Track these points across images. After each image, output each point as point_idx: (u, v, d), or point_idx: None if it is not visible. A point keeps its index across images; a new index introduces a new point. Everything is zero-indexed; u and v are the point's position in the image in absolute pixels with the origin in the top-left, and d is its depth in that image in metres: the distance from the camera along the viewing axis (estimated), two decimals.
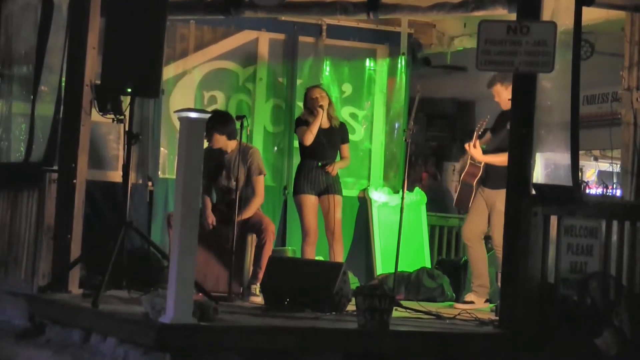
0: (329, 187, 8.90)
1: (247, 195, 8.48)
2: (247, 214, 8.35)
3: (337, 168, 8.95)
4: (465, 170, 8.69)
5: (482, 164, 8.58)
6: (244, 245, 8.35)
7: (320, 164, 8.89)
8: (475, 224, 8.71)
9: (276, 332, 6.45)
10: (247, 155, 8.50)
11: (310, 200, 8.89)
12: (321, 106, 8.86)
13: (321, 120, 8.90)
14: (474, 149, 8.56)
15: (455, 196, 9.07)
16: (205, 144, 8.49)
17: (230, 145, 8.44)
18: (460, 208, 9.14)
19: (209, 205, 8.52)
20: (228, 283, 7.99)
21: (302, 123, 8.99)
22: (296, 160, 10.05)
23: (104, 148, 9.41)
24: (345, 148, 9.13)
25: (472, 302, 8.50)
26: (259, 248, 8.28)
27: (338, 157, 9.07)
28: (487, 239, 9.65)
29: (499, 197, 8.28)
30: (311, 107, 8.94)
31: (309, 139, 8.87)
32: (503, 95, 8.60)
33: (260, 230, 8.30)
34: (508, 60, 6.96)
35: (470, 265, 8.84)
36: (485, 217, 8.69)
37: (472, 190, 8.65)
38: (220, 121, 8.45)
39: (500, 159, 8.10)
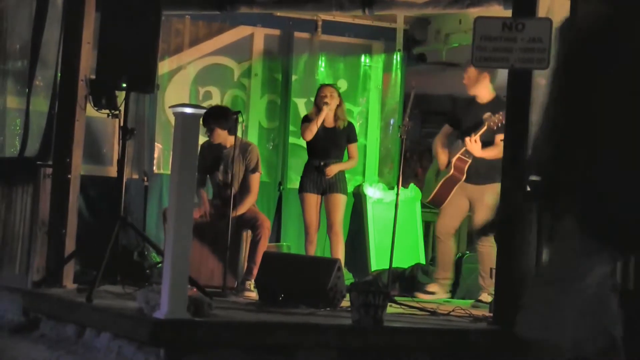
0: (331, 186, 8.81)
1: (241, 191, 8.47)
2: (241, 210, 8.35)
3: (335, 169, 8.80)
4: (454, 164, 8.55)
5: (471, 158, 8.51)
6: (238, 240, 8.34)
7: (322, 163, 8.80)
8: (451, 219, 8.64)
9: (270, 328, 6.45)
10: (246, 151, 8.48)
11: (311, 199, 8.84)
12: (326, 103, 8.79)
13: (326, 119, 8.82)
14: (475, 144, 8.41)
15: (434, 191, 8.68)
16: (205, 138, 8.52)
17: (230, 140, 8.40)
18: (437, 203, 8.81)
19: (205, 196, 8.53)
20: (222, 278, 7.99)
21: (307, 120, 8.93)
22: (291, 156, 10.07)
23: (99, 143, 9.41)
24: (352, 148, 8.95)
25: (433, 293, 8.48)
26: (254, 244, 8.27)
27: (345, 157, 8.94)
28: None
29: (486, 192, 8.28)
30: (318, 104, 8.87)
31: (308, 135, 8.82)
32: (486, 88, 8.50)
33: (256, 227, 8.29)
34: (503, 57, 6.95)
35: (438, 259, 8.78)
36: (461, 214, 8.62)
37: (453, 186, 8.55)
38: (223, 116, 8.43)
39: (495, 152, 8.07)
